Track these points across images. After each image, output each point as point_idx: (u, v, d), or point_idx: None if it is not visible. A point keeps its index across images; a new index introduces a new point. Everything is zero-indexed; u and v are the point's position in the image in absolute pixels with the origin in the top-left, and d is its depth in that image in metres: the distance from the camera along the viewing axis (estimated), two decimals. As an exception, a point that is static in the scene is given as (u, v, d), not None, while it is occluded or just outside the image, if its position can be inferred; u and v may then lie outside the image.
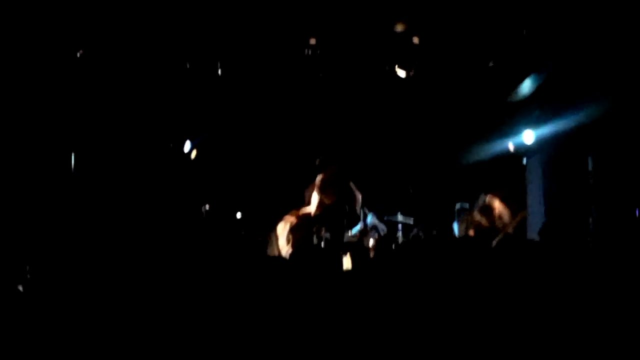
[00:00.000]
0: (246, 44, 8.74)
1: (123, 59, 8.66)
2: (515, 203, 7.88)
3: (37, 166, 8.44)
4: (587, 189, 8.42)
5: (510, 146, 9.44)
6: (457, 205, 7.61)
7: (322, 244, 9.27)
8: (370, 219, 9.68)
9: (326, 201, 9.75)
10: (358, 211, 9.64)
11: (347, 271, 4.99)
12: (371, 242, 9.04)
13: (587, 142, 8.46)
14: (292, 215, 9.16)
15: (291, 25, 8.38)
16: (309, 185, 9.78)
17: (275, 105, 10.24)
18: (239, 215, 10.34)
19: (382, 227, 9.74)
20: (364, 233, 9.53)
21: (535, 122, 8.99)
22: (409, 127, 10.58)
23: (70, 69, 8.43)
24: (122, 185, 9.36)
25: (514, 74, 9.04)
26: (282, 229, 9.01)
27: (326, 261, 4.32)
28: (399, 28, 8.45)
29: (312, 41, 8.78)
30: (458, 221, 7.50)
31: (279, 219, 9.04)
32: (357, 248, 5.69)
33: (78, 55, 8.34)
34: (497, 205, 6.09)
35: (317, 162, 9.89)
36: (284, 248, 8.79)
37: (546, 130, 8.85)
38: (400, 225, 10.03)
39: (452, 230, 7.72)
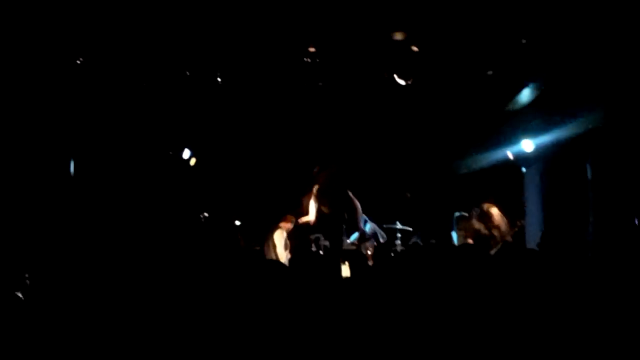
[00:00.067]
0: (246, 53, 8.76)
1: (123, 66, 8.70)
2: (514, 211, 7.88)
3: (38, 172, 8.47)
4: (585, 197, 8.44)
5: (509, 154, 9.48)
6: (456, 214, 7.62)
7: (321, 252, 9.29)
8: (369, 226, 9.71)
9: (324, 209, 9.78)
10: (357, 219, 9.67)
11: (346, 278, 5.00)
12: (370, 249, 9.05)
13: (585, 150, 8.49)
14: (288, 221, 9.18)
15: (291, 34, 8.40)
16: (306, 192, 9.83)
17: (275, 113, 10.27)
18: (237, 222, 10.35)
19: (381, 235, 9.77)
20: (363, 241, 9.56)
21: (533, 131, 9.04)
22: (408, 135, 10.61)
23: (72, 75, 8.46)
24: (121, 192, 9.39)
25: (512, 83, 9.09)
26: (280, 236, 9.04)
27: (325, 268, 4.33)
28: (399, 37, 8.47)
29: (312, 50, 8.80)
30: (456, 229, 7.51)
31: (276, 226, 9.07)
32: (355, 256, 5.69)
33: (79, 62, 8.37)
34: (495, 213, 6.09)
35: (315, 170, 9.93)
36: (282, 255, 8.80)
37: (544, 139, 8.89)
38: (398, 233, 10.06)
39: (450, 238, 7.73)
